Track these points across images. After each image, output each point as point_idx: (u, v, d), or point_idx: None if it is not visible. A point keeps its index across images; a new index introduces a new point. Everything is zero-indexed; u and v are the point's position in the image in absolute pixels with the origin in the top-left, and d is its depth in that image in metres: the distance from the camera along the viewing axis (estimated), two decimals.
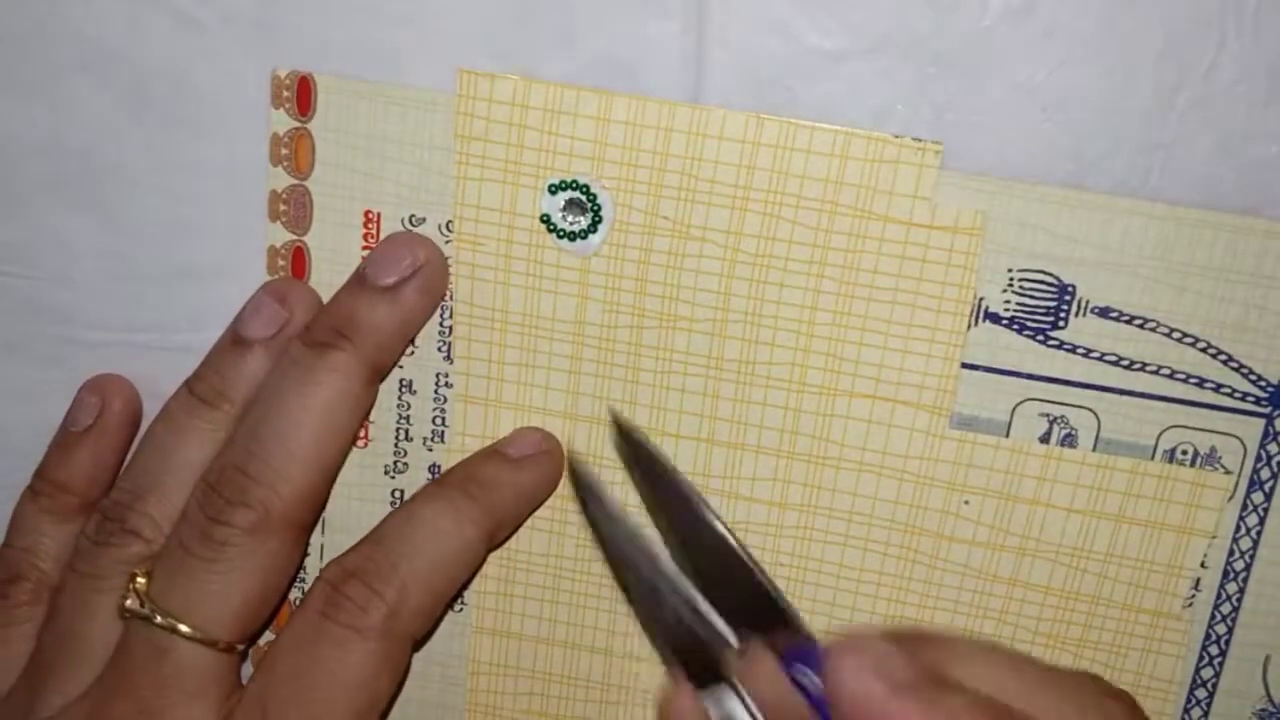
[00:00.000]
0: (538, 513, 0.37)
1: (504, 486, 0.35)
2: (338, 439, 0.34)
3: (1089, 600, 0.36)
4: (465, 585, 0.37)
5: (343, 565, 0.33)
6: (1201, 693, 0.37)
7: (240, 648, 0.34)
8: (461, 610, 0.39)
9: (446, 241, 0.35)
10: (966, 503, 0.36)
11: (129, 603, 0.34)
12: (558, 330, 0.36)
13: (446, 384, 0.37)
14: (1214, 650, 0.36)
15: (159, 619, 0.33)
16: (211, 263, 0.37)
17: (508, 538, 0.37)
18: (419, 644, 0.36)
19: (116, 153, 0.36)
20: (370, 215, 0.35)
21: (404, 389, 0.37)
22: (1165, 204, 0.33)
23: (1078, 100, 0.32)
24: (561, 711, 0.39)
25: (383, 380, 0.36)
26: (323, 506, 0.36)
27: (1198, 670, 0.37)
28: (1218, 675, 0.37)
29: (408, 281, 0.35)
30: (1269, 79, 0.31)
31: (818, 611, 0.37)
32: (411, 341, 0.36)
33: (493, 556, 0.38)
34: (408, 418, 0.37)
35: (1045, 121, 0.32)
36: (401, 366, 0.37)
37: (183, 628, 0.33)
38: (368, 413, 0.36)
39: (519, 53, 0.34)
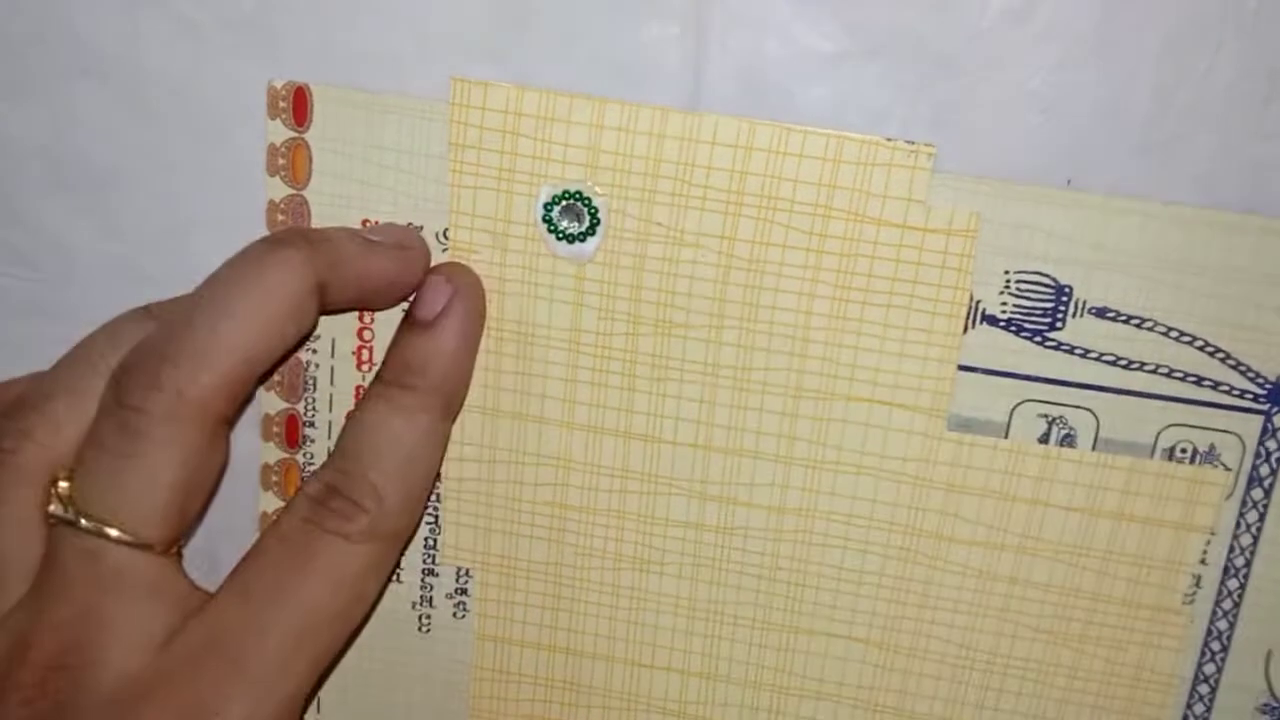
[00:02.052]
0: (537, 521, 0.37)
1: (434, 362, 0.34)
2: (270, 336, 0.32)
3: (1089, 597, 0.36)
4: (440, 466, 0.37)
5: (320, 478, 0.33)
6: (1204, 688, 0.37)
7: (174, 550, 0.33)
8: (464, 617, 0.39)
9: (444, 250, 0.35)
10: (965, 504, 0.36)
11: (52, 508, 0.32)
12: (553, 338, 0.36)
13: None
14: (1216, 646, 0.36)
15: (84, 522, 0.31)
16: (212, 265, 0.37)
17: (465, 398, 0.36)
18: (407, 542, 0.35)
19: (117, 156, 0.36)
20: (368, 224, 0.35)
21: None
22: (1161, 203, 0.33)
23: (1076, 102, 0.32)
24: (564, 717, 0.39)
25: (328, 310, 0.34)
26: (245, 404, 0.34)
27: (1200, 666, 0.37)
28: (1220, 671, 0.37)
29: (388, 245, 0.34)
30: (1268, 80, 0.31)
31: (818, 614, 0.37)
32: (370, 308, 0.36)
33: (494, 563, 0.38)
34: None
35: (1044, 123, 0.32)
36: None
37: (110, 530, 0.31)
38: (308, 334, 0.34)
39: (517, 57, 0.33)
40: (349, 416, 0.35)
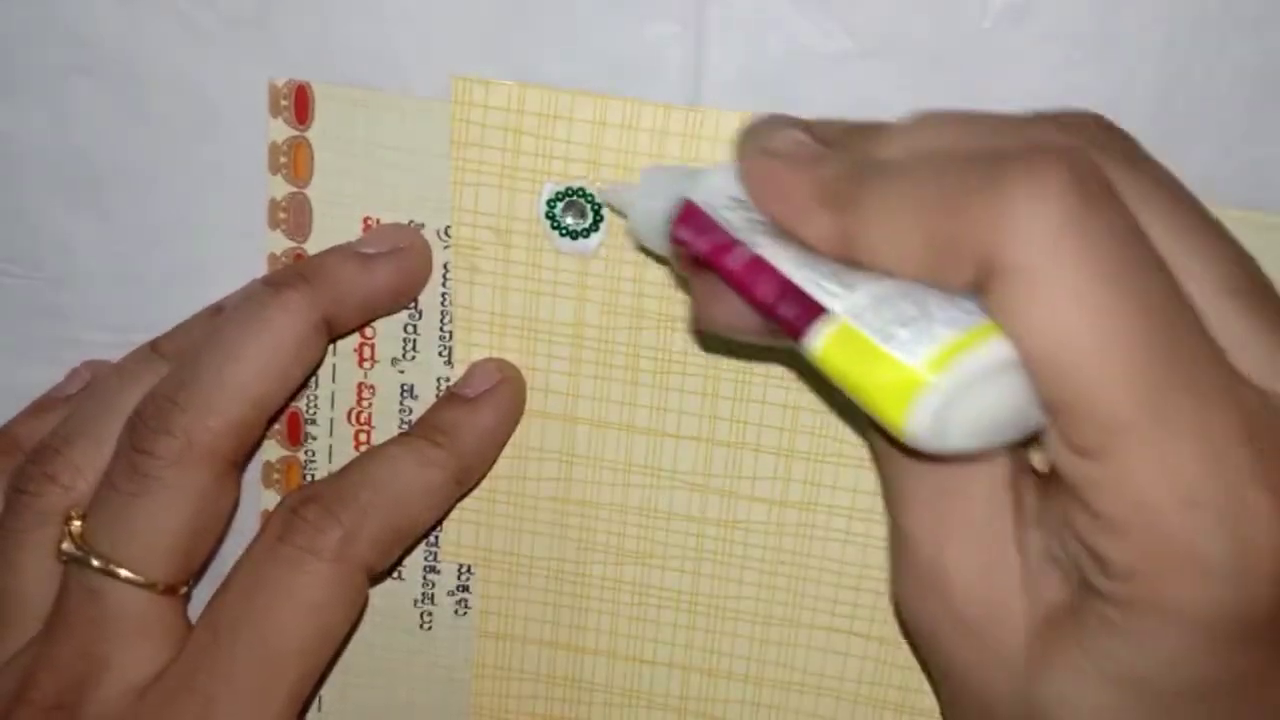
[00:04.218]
0: (539, 517, 0.37)
1: (464, 429, 0.35)
2: (277, 378, 0.33)
3: None
4: (434, 528, 0.37)
5: (304, 492, 0.33)
6: None
7: (182, 590, 0.34)
8: (465, 614, 0.39)
9: (445, 247, 0.35)
10: None
11: (65, 546, 0.33)
12: (557, 333, 0.36)
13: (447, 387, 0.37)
14: None
15: (95, 561, 0.32)
16: (212, 264, 0.37)
17: (482, 477, 0.37)
18: (376, 579, 0.35)
19: (117, 155, 0.36)
20: (369, 222, 0.35)
21: (405, 393, 0.37)
22: None
23: (1076, 102, 0.32)
24: (565, 714, 0.39)
25: (334, 340, 0.36)
26: (255, 447, 0.36)
27: None
28: None
29: (385, 255, 0.35)
30: (1268, 81, 0.32)
31: (819, 609, 0.37)
32: (371, 322, 0.37)
33: (496, 560, 0.38)
34: (409, 422, 0.37)
35: None
36: (403, 371, 0.37)
37: (115, 569, 0.32)
38: (315, 366, 0.35)
39: (518, 55, 0.34)
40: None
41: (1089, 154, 0.23)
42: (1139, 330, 0.22)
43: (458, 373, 0.36)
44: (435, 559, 0.38)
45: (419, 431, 0.35)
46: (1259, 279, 0.26)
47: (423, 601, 0.39)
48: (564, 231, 0.35)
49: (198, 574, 0.35)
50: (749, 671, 0.38)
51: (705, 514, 0.37)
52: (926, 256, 0.24)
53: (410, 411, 0.37)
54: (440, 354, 0.36)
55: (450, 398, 0.36)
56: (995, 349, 0.23)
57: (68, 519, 0.33)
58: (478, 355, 0.36)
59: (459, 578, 0.38)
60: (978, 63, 0.32)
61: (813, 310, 0.25)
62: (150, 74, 0.35)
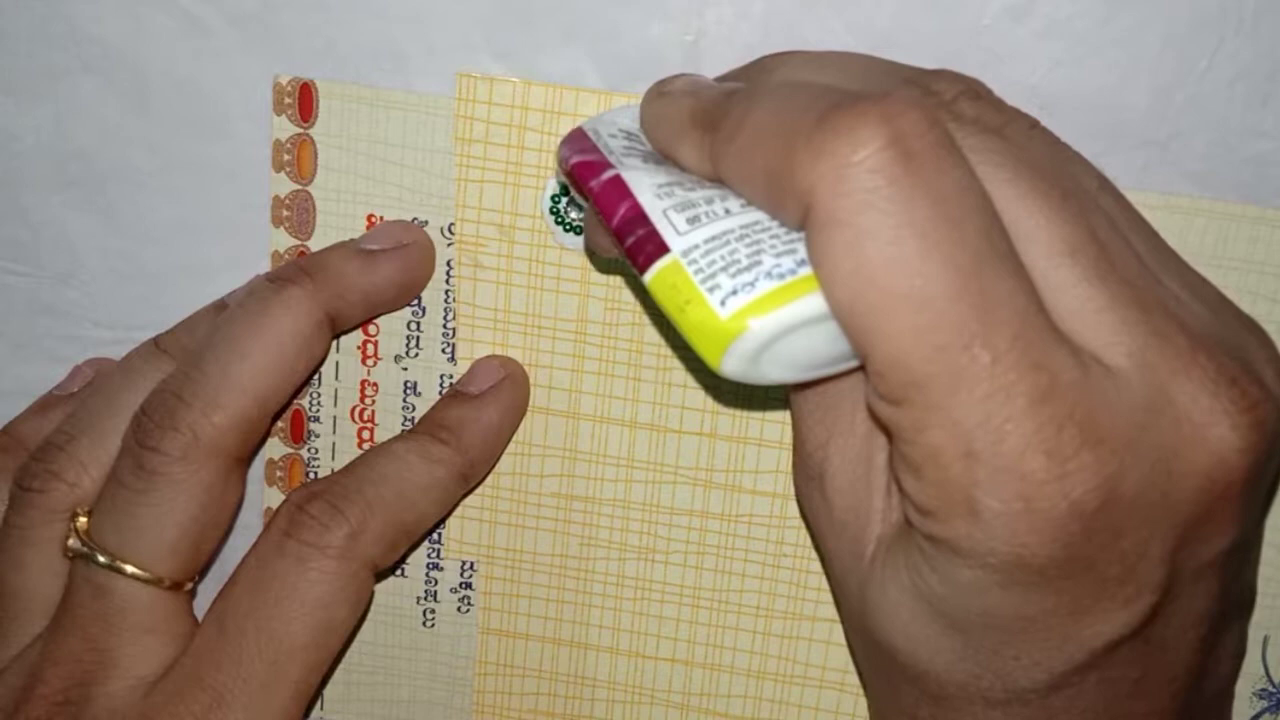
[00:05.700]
0: (542, 513, 0.37)
1: (469, 426, 0.35)
2: (281, 375, 0.34)
3: None
4: (438, 525, 0.37)
5: (310, 488, 0.33)
6: None
7: (188, 587, 0.34)
8: (468, 611, 0.39)
9: (449, 244, 0.35)
10: None
11: (71, 542, 0.33)
12: (560, 329, 0.36)
13: (451, 385, 0.37)
14: None
15: (101, 558, 0.33)
16: (216, 261, 0.37)
17: (487, 474, 0.37)
18: (380, 576, 0.35)
19: (121, 153, 0.36)
20: (373, 219, 0.36)
21: (408, 390, 0.37)
22: (1159, 193, 0.33)
23: (1075, 99, 0.32)
24: (568, 711, 0.39)
25: (338, 336, 0.36)
26: (260, 443, 0.36)
27: None
28: None
29: (388, 252, 0.35)
30: (1266, 78, 0.32)
31: (822, 602, 0.37)
32: (375, 318, 0.37)
33: (499, 556, 0.38)
34: (412, 419, 0.37)
35: (1043, 119, 0.32)
36: (406, 368, 0.37)
37: (122, 565, 0.32)
38: (319, 362, 0.35)
39: (521, 53, 0.34)
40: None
41: (931, 112, 0.24)
42: (941, 287, 0.23)
43: (461, 370, 0.37)
44: (438, 556, 0.38)
45: (424, 429, 0.35)
46: (1109, 246, 0.25)
47: (426, 598, 0.39)
48: (568, 227, 0.35)
49: (203, 570, 0.35)
50: (751, 665, 0.38)
51: (708, 509, 0.37)
52: (764, 190, 0.25)
53: (413, 409, 0.37)
54: (444, 351, 0.37)
55: (454, 395, 0.36)
56: (809, 303, 0.24)
57: (73, 515, 0.34)
58: (481, 352, 0.36)
59: (462, 574, 0.39)
60: (978, 59, 0.32)
61: (652, 243, 0.26)
62: (153, 71, 0.35)
